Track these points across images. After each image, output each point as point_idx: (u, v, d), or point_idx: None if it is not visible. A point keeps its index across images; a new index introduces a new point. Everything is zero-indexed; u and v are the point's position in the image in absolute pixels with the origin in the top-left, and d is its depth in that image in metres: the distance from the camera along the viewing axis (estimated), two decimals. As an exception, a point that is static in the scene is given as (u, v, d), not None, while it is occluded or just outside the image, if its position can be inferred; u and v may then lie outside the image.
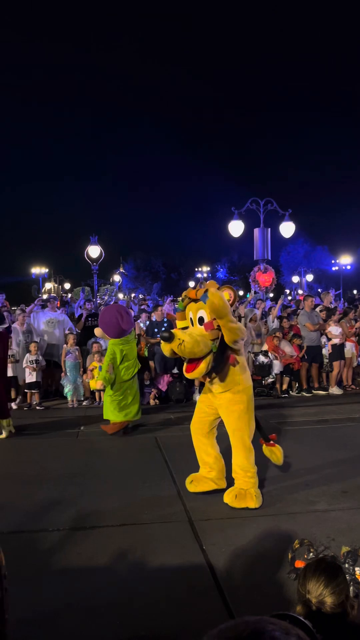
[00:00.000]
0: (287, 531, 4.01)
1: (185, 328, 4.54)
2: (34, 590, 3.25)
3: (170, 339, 4.28)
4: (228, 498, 4.64)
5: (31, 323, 10.37)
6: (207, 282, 4.59)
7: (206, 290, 4.39)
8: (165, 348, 4.49)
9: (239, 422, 4.68)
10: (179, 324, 4.67)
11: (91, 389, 9.58)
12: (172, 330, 4.36)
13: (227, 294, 4.43)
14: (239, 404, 4.68)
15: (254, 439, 4.79)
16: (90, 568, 3.62)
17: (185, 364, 4.59)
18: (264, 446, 4.99)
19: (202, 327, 4.40)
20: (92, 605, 3.16)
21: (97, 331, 7.65)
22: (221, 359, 4.48)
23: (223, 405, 4.73)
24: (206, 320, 4.38)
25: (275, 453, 4.97)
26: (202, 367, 4.42)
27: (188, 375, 4.60)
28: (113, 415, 7.35)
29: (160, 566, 3.62)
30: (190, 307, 4.54)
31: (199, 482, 4.91)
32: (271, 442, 4.97)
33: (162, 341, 4.48)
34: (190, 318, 4.55)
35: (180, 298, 4.78)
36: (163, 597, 3.25)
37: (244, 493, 4.59)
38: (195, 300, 4.50)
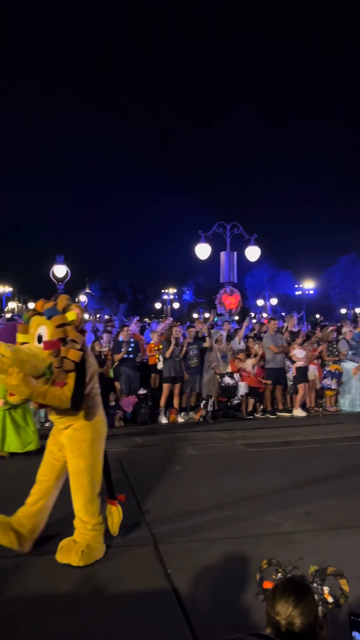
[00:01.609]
0: (252, 554, 3.98)
1: (25, 344, 3.83)
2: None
3: None
4: (58, 547, 3.95)
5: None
6: (60, 295, 3.94)
7: (53, 305, 3.80)
8: None
9: (80, 462, 3.98)
10: (19, 337, 3.90)
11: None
12: None
13: (74, 313, 3.78)
14: (81, 442, 4.00)
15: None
16: (52, 594, 3.51)
17: None
18: (107, 503, 4.30)
19: (41, 345, 3.70)
20: (53, 632, 3.06)
21: None
22: (77, 390, 3.79)
23: (66, 443, 4.06)
24: (45, 338, 3.68)
25: (112, 515, 4.25)
26: (24, 390, 3.55)
27: (9, 399, 3.79)
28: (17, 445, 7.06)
29: (125, 591, 3.54)
30: (34, 321, 3.86)
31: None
32: (115, 500, 4.31)
33: None
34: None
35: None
36: (127, 622, 3.17)
37: (72, 546, 3.87)
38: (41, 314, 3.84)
